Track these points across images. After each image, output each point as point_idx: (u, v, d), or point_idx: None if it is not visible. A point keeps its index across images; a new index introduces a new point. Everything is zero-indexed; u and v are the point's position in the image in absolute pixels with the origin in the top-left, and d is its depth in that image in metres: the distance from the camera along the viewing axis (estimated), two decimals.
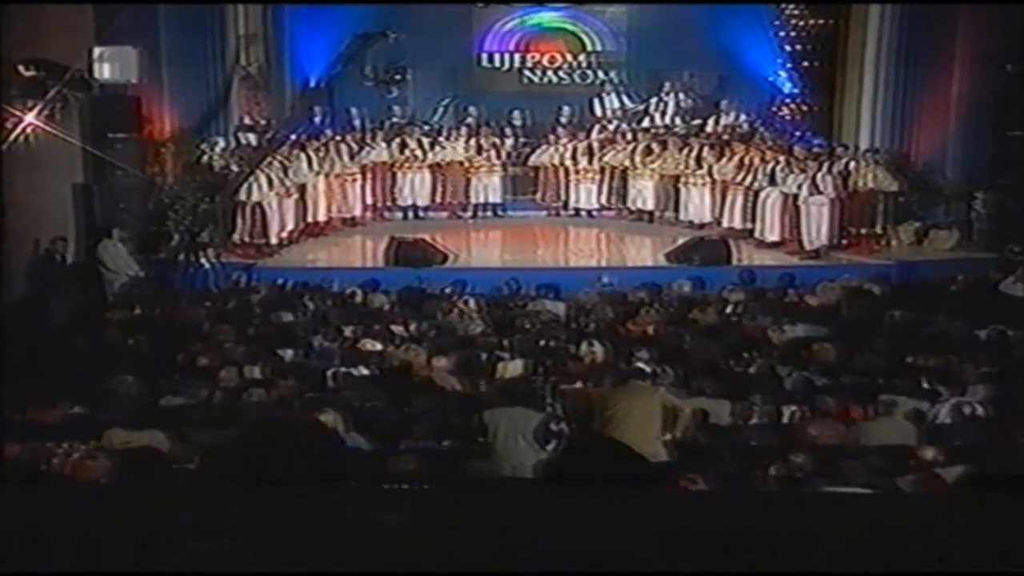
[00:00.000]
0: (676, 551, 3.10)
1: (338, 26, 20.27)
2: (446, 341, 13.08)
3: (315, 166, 19.56)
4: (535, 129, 21.68)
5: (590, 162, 20.96)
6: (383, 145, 20.60)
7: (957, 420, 10.30)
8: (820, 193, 18.54)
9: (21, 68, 13.83)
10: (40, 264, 15.75)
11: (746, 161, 19.52)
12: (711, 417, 10.34)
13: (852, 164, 19.12)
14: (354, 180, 20.37)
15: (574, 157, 21.00)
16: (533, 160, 21.23)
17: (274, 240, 18.78)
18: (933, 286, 16.50)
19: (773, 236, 19.01)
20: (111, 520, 3.26)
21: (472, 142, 20.94)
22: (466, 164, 20.95)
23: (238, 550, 3.10)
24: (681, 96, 21.64)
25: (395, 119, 21.21)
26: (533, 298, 15.47)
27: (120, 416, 9.70)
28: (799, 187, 18.62)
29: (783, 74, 21.54)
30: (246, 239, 18.57)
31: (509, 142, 21.25)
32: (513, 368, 12.01)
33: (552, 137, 21.22)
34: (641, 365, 11.44)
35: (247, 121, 20.54)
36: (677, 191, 20.34)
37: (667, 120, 21.54)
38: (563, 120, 21.67)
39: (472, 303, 14.85)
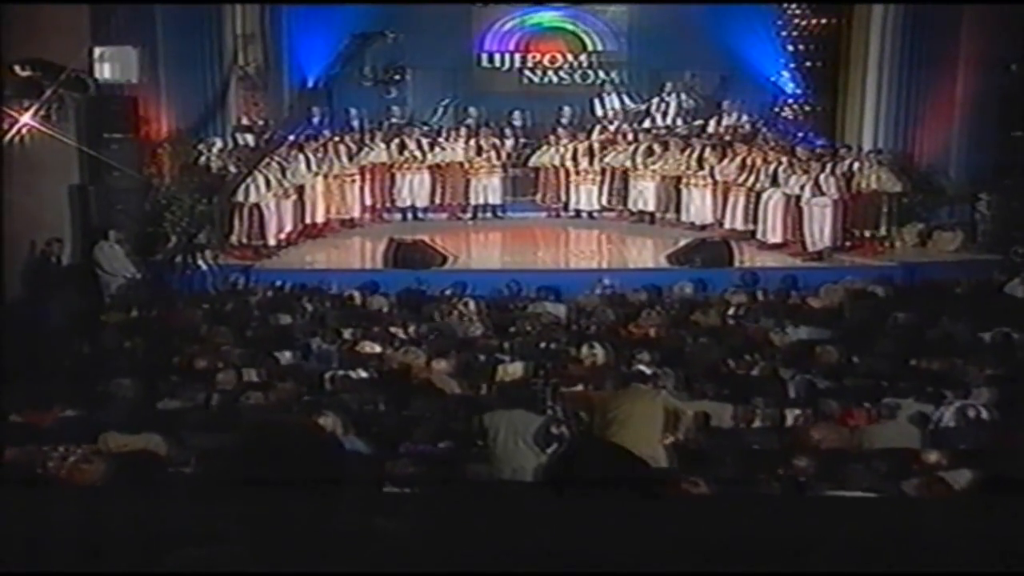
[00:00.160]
0: (677, 556, 3.06)
1: (337, 26, 20.28)
2: (446, 343, 13.03)
3: (313, 167, 19.53)
4: (535, 130, 21.69)
5: (591, 163, 20.97)
6: (382, 146, 20.59)
7: (961, 423, 10.24)
8: (823, 194, 18.49)
9: (17, 68, 13.75)
10: (36, 266, 15.73)
11: (748, 162, 19.51)
12: (713, 420, 10.27)
13: (855, 165, 19.11)
14: (353, 181, 20.35)
15: (575, 158, 21.00)
16: (533, 161, 21.23)
17: (272, 241, 18.75)
18: (937, 288, 16.47)
19: (775, 238, 18.97)
20: (107, 524, 3.22)
21: (472, 143, 20.93)
22: (466, 165, 20.95)
23: (235, 555, 3.05)
24: (683, 96, 21.67)
25: (394, 120, 21.24)
26: (533, 300, 15.46)
27: (116, 419, 9.62)
28: (802, 188, 18.58)
29: (786, 74, 21.55)
30: (244, 240, 18.53)
31: (509, 143, 21.25)
32: (513, 370, 11.94)
33: (552, 138, 21.21)
34: (642, 368, 11.41)
35: (245, 122, 20.56)
36: (678, 192, 20.34)
37: (668, 121, 21.59)
38: (563, 121, 21.68)
39: (472, 305, 14.81)
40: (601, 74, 22.32)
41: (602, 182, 21.00)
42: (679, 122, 21.49)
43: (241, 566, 3.04)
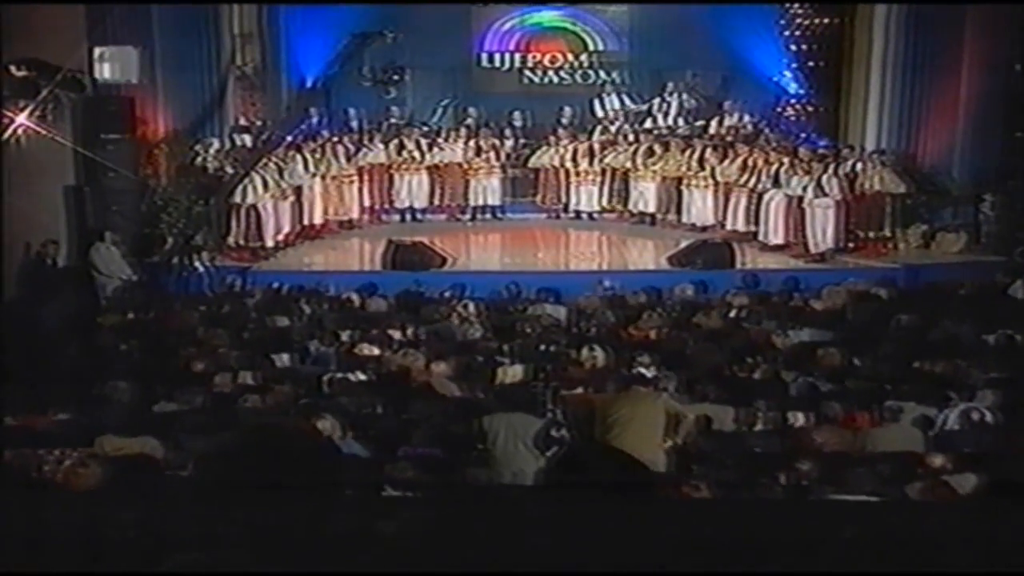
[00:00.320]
0: (679, 560, 3.01)
1: (335, 26, 20.30)
2: (445, 346, 12.98)
3: (311, 168, 19.51)
4: (535, 130, 21.69)
5: (591, 164, 20.94)
6: (381, 146, 20.57)
7: (965, 426, 10.19)
8: (825, 195, 18.45)
9: (12, 68, 13.72)
10: (31, 268, 15.71)
11: (750, 163, 19.47)
12: (714, 423, 10.20)
13: (858, 166, 19.07)
14: (351, 182, 20.32)
15: (575, 159, 20.98)
16: (533, 162, 21.21)
17: (269, 243, 18.71)
18: (941, 290, 16.45)
19: (777, 239, 18.93)
20: (103, 528, 3.16)
21: (471, 143, 20.91)
22: (465, 166, 20.92)
23: (232, 560, 2.99)
24: (684, 96, 21.67)
25: (393, 120, 21.25)
26: (533, 302, 15.41)
27: (113, 422, 9.58)
28: (804, 189, 18.54)
29: (788, 74, 21.52)
30: (241, 242, 18.48)
31: (509, 143, 21.24)
32: (513, 373, 11.89)
33: (553, 138, 21.20)
34: (643, 370, 11.41)
35: (242, 122, 20.57)
36: (680, 193, 20.31)
37: (670, 121, 21.59)
38: (564, 121, 21.67)
39: (471, 307, 14.76)
40: (602, 74, 22.31)
41: (603, 183, 20.97)
42: (680, 122, 21.49)
43: (237, 570, 2.99)
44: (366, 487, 7.01)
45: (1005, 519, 3.33)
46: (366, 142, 20.55)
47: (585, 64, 22.40)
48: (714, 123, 21.28)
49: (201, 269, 16.91)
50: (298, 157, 19.27)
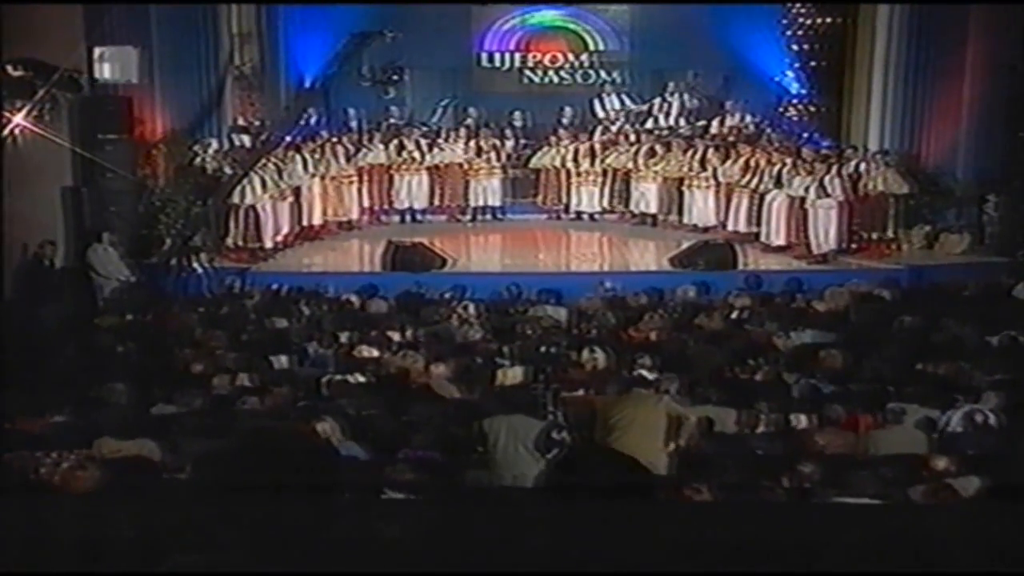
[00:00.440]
0: (680, 563, 3.05)
1: (334, 25, 20.30)
2: (444, 347, 12.98)
3: (310, 168, 19.51)
4: (536, 130, 21.72)
5: (592, 164, 20.96)
6: (380, 147, 20.57)
7: (969, 428, 10.18)
8: (828, 196, 18.43)
9: (9, 68, 13.70)
10: (28, 269, 15.72)
11: (752, 163, 19.46)
12: (716, 426, 10.20)
13: (861, 166, 19.06)
14: (350, 182, 20.31)
15: (576, 159, 20.98)
16: (534, 162, 21.22)
17: (268, 244, 18.70)
18: (944, 291, 16.47)
19: (780, 240, 18.92)
20: (101, 530, 3.19)
21: (471, 144, 20.92)
22: (465, 166, 20.93)
23: (231, 562, 3.02)
24: (685, 96, 21.72)
25: (393, 120, 21.28)
26: (534, 303, 15.41)
27: (110, 424, 9.58)
28: (806, 190, 18.52)
29: (790, 74, 21.58)
30: (240, 243, 18.47)
31: (509, 144, 21.26)
32: (513, 375, 11.90)
33: (553, 139, 21.21)
34: (644, 372, 11.44)
35: (241, 122, 20.58)
36: (681, 194, 20.30)
37: (671, 121, 21.63)
38: (565, 121, 21.70)
39: (471, 308, 14.79)
40: (603, 74, 22.35)
41: (603, 183, 20.97)
42: (682, 123, 21.53)
43: (235, 572, 3.01)
44: (365, 490, 7.02)
45: (1009, 522, 3.36)
46: (366, 142, 20.55)
47: (586, 64, 22.43)
48: (716, 123, 21.31)
49: (199, 270, 16.92)
50: (297, 157, 19.26)
